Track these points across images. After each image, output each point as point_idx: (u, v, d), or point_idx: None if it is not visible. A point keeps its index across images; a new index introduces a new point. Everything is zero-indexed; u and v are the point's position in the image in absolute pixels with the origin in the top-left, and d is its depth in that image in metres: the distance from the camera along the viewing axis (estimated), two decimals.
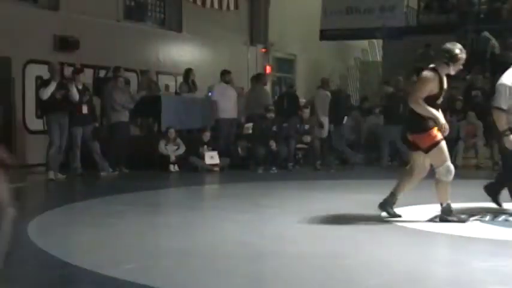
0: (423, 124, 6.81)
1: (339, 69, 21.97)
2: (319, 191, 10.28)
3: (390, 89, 15.00)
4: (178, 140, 13.53)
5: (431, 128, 6.79)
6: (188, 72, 15.16)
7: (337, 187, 10.90)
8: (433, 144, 6.79)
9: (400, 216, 7.13)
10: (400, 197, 7.17)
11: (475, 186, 9.21)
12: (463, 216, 7.00)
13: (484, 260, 5.32)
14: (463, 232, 6.56)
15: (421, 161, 6.99)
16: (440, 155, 6.82)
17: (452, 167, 6.84)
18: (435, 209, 7.12)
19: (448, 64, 6.83)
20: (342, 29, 20.21)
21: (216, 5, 17.45)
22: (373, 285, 4.65)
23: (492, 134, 12.17)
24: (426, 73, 6.84)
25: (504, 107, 7.11)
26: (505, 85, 7.16)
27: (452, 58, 6.81)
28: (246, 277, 4.93)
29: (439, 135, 6.80)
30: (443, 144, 6.84)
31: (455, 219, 6.88)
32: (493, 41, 17.68)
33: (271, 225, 7.14)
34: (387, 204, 7.15)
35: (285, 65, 21.62)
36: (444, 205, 6.91)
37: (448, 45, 6.92)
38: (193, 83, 15.18)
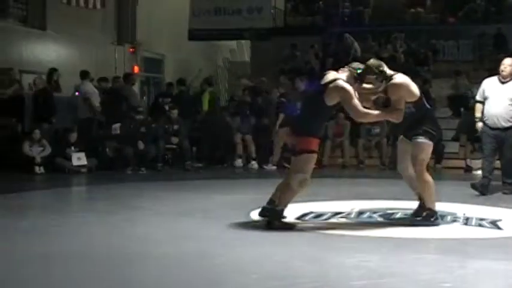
0: (310, 129, 6.80)
1: (208, 70, 22.01)
2: (188, 192, 10.26)
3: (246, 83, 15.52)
4: (44, 141, 13.17)
5: (314, 136, 6.79)
6: (52, 72, 14.79)
7: (206, 187, 10.94)
8: (308, 150, 6.72)
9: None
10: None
11: (340, 184, 9.47)
12: (291, 223, 6.91)
13: (349, 256, 5.47)
14: (329, 229, 6.73)
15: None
16: (307, 164, 6.74)
17: (309, 183, 6.76)
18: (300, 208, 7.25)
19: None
20: (210, 29, 20.29)
21: (82, 3, 17.06)
22: (242, 284, 4.67)
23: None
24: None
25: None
26: None
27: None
28: (112, 281, 4.84)
29: (316, 149, 6.81)
30: (315, 157, 6.81)
31: (279, 224, 6.71)
32: (356, 44, 18.26)
33: (140, 226, 7.05)
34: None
35: (154, 65, 21.43)
36: (279, 208, 6.77)
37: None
38: (56, 83, 14.78)
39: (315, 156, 6.81)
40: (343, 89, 6.64)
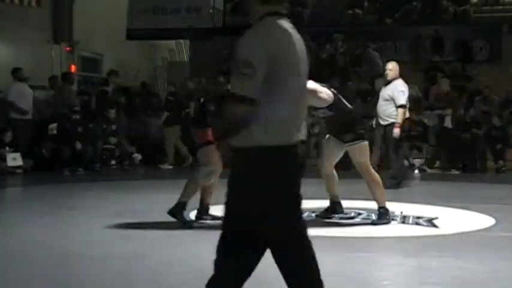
0: (206, 121, 6.82)
1: (146, 69, 21.82)
2: (125, 192, 10.14)
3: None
4: None
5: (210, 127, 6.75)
6: None
7: (144, 187, 10.85)
8: (207, 142, 6.72)
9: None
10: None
11: None
12: (189, 220, 6.98)
13: None
14: None
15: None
16: (209, 156, 6.58)
17: (214, 175, 6.62)
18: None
19: None
20: (148, 29, 20.12)
21: (16, 1, 16.71)
22: (173, 284, 4.66)
23: None
24: None
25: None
26: None
27: None
28: (52, 282, 4.75)
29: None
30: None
31: (180, 219, 6.84)
32: None
33: (78, 227, 6.95)
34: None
35: (91, 64, 21.15)
36: (181, 200, 6.85)
37: None
38: None
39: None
40: None
